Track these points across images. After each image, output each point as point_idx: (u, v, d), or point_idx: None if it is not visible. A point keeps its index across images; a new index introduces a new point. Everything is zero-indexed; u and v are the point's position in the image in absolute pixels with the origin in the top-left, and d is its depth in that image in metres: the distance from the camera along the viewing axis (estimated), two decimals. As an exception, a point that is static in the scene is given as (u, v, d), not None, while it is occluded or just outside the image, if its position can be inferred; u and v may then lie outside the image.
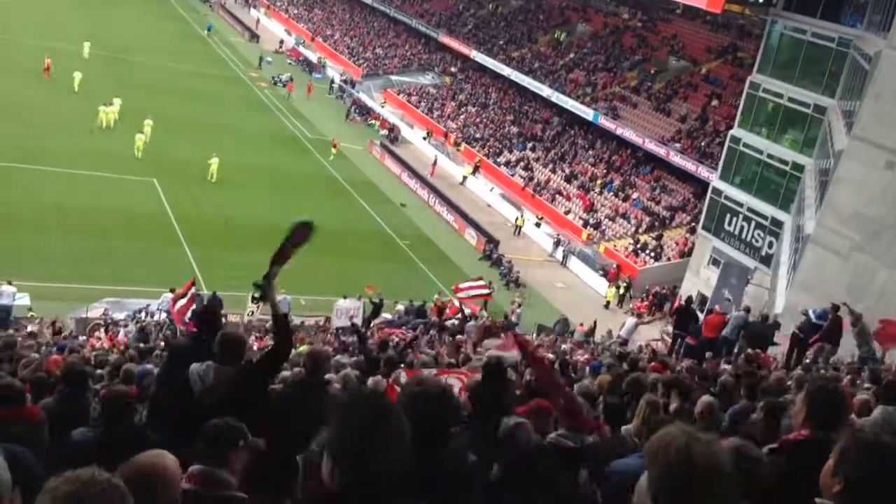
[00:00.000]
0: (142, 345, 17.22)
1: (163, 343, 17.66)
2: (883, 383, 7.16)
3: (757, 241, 32.83)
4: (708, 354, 14.48)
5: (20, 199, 31.64)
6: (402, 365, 10.77)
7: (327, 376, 6.23)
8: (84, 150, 37.93)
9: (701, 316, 23.14)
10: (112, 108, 42.76)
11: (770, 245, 31.88)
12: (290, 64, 67.42)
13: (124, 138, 40.62)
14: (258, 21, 79.88)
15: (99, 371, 10.32)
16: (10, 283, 22.85)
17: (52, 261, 27.44)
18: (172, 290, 23.94)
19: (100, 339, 19.36)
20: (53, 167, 35.17)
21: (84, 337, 19.89)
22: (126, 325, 22.24)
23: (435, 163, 49.03)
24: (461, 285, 26.70)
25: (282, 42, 72.68)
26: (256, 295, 5.53)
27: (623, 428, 5.68)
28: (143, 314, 23.92)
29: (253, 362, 5.44)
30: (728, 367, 11.62)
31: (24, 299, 23.86)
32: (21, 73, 45.96)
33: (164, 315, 24.11)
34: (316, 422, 5.14)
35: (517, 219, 42.09)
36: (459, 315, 24.70)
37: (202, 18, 75.40)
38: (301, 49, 71.02)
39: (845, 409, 4.04)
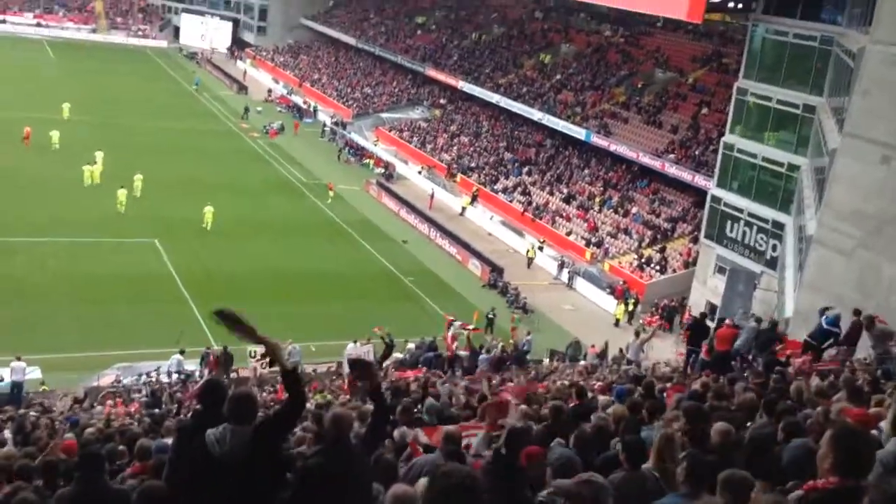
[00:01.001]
0: (156, 411, 17.16)
1: (175, 406, 17.60)
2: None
3: (760, 245, 32.75)
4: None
5: (24, 272, 31.74)
6: (418, 408, 10.68)
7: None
8: (83, 216, 38.08)
9: (712, 326, 23.04)
10: (96, 165, 43.27)
11: (774, 248, 31.79)
12: (280, 112, 67.87)
13: (122, 202, 40.83)
14: (245, 72, 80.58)
15: (118, 446, 10.27)
16: (19, 359, 22.81)
17: (61, 331, 27.43)
18: (182, 352, 24.03)
19: (113, 407, 19.27)
20: (54, 237, 35.32)
21: (99, 406, 19.80)
22: (140, 391, 22.17)
23: (432, 196, 49.14)
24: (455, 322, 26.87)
25: (270, 91, 73.27)
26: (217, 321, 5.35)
27: (643, 466, 5.61)
28: (153, 377, 23.86)
29: (268, 420, 5.37)
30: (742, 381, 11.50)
31: (35, 373, 23.83)
32: (11, 145, 46.34)
33: (175, 376, 24.08)
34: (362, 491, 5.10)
35: (528, 251, 41.20)
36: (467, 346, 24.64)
37: (189, 75, 76.09)
38: (290, 96, 71.54)
39: (874, 457, 3.86)
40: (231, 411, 5.28)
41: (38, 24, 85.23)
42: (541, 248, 42.17)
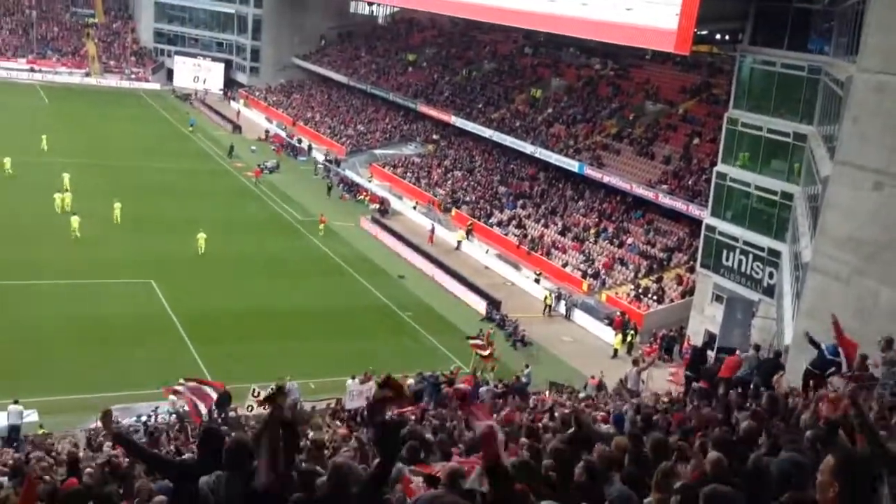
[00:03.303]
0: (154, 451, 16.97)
1: (173, 449, 17.45)
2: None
3: (757, 273, 32.84)
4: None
5: (19, 316, 31.64)
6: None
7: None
8: (78, 258, 38.12)
9: (711, 354, 23.01)
10: (67, 193, 44.54)
11: (770, 276, 31.88)
12: (273, 150, 68.15)
13: (118, 243, 40.92)
14: (238, 112, 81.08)
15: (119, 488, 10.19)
16: (16, 402, 22.70)
17: (58, 373, 27.33)
18: (176, 392, 23.58)
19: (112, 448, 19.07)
20: (51, 280, 35.30)
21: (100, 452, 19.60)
22: (136, 431, 21.98)
23: (433, 230, 49.32)
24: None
25: (267, 132, 73.33)
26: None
27: (646, 501, 5.60)
28: (152, 419, 23.69)
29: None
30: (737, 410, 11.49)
31: (32, 416, 23.68)
32: (17, 191, 46.45)
33: (173, 417, 23.91)
34: None
35: (546, 298, 39.96)
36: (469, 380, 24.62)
37: (183, 116, 76.52)
38: (283, 134, 71.91)
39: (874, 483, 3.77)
40: (226, 459, 5.30)
41: (32, 70, 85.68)
42: (537, 281, 42.21)
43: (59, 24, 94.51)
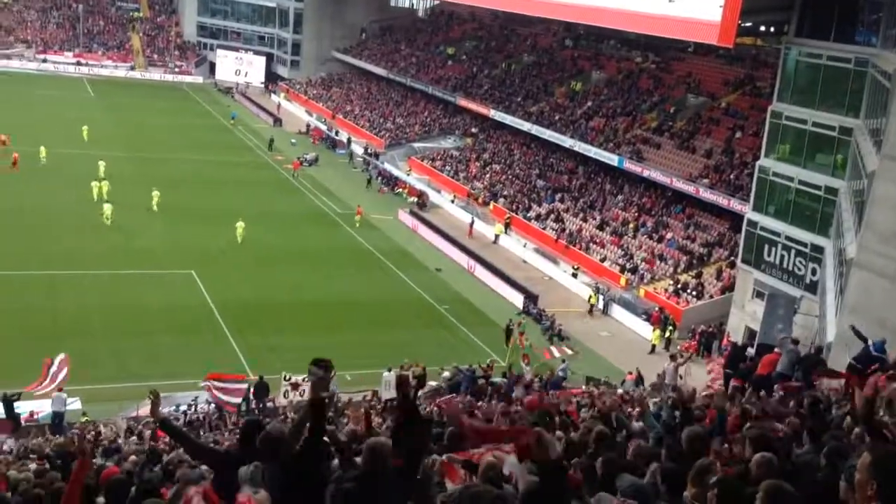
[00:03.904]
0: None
1: (210, 437, 17.68)
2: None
3: (799, 269, 32.26)
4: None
5: (65, 305, 32.30)
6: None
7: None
8: (121, 249, 38.79)
9: (751, 351, 22.66)
10: (104, 181, 45.49)
11: (814, 272, 31.30)
12: (311, 143, 68.61)
13: (159, 234, 41.59)
14: (279, 105, 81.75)
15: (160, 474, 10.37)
16: (60, 390, 23.18)
17: (101, 363, 27.85)
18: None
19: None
20: (94, 270, 35.95)
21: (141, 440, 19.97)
22: (176, 420, 22.30)
23: (472, 224, 49.33)
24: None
25: (308, 125, 73.83)
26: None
27: (685, 494, 5.52)
28: (191, 408, 24.03)
29: (297, 455, 5.40)
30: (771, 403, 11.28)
31: (75, 404, 24.19)
32: (59, 182, 47.34)
33: (212, 406, 24.24)
34: None
35: (590, 298, 39.25)
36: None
37: (225, 109, 77.41)
38: (322, 127, 72.37)
39: None
40: (262, 450, 5.36)
41: (78, 63, 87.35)
42: (575, 275, 41.96)
43: (105, 19, 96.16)
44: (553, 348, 30.99)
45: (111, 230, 41.02)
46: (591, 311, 38.87)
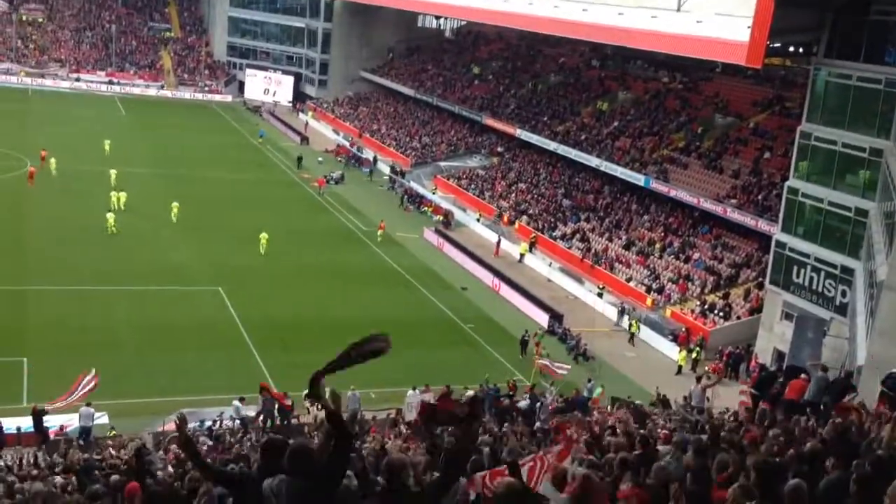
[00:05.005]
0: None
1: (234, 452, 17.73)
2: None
3: (829, 291, 31.87)
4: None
5: (94, 320, 32.67)
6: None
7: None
8: (149, 264, 39.19)
9: (780, 375, 22.35)
10: (122, 192, 46.72)
11: (843, 294, 30.90)
12: (339, 161, 69.05)
13: (187, 251, 42.00)
14: (307, 124, 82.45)
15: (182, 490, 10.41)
16: (88, 405, 23.41)
17: (128, 377, 28.08)
18: (242, 399, 24.44)
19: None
20: (123, 286, 36.36)
21: (160, 453, 20.10)
22: (199, 438, 22.45)
23: (499, 243, 49.35)
24: (544, 363, 27.94)
25: (338, 145, 74.04)
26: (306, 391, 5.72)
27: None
28: (216, 424, 24.16)
29: (322, 469, 5.44)
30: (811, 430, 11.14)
31: (103, 418, 24.41)
32: (85, 199, 48.04)
33: (237, 423, 24.36)
34: None
35: (632, 326, 38.35)
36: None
37: (253, 128, 78.21)
38: (348, 146, 72.80)
39: None
40: (288, 464, 5.40)
41: (110, 82, 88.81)
42: (600, 295, 41.75)
43: (137, 39, 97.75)
44: (548, 362, 30.58)
45: (138, 245, 41.58)
46: (631, 340, 37.93)
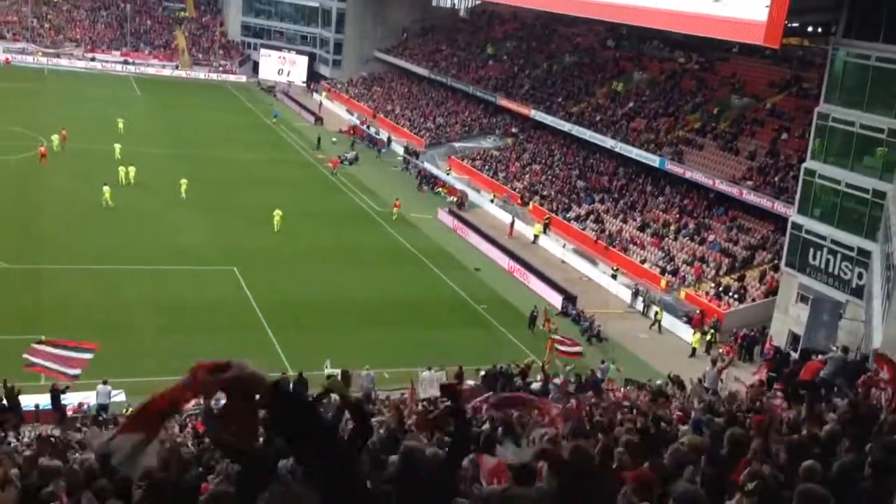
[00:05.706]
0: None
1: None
2: None
3: (845, 273, 31.68)
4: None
5: (110, 299, 32.93)
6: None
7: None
8: (164, 244, 39.40)
9: (794, 355, 22.37)
10: (131, 166, 47.20)
11: (860, 276, 30.72)
12: (354, 142, 69.00)
13: (202, 230, 42.18)
14: (321, 104, 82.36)
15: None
16: (105, 383, 23.66)
17: (144, 356, 28.32)
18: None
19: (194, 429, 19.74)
20: (139, 265, 36.60)
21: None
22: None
23: (512, 224, 49.30)
24: (557, 338, 27.55)
25: (354, 126, 73.81)
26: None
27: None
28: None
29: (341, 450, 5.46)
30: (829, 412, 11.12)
31: (119, 396, 24.65)
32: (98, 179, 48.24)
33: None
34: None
35: (657, 314, 37.69)
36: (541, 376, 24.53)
37: (267, 108, 78.21)
38: (363, 127, 72.71)
39: None
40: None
41: (125, 62, 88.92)
42: (614, 276, 41.68)
43: (152, 18, 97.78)
44: (559, 337, 29.58)
45: (152, 224, 41.84)
46: (658, 327, 37.37)
